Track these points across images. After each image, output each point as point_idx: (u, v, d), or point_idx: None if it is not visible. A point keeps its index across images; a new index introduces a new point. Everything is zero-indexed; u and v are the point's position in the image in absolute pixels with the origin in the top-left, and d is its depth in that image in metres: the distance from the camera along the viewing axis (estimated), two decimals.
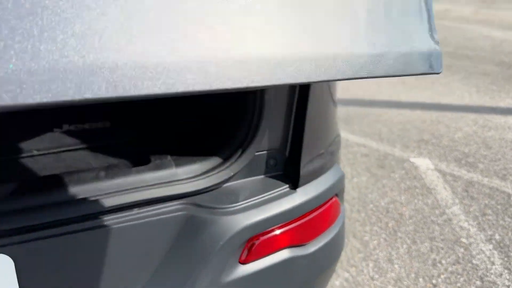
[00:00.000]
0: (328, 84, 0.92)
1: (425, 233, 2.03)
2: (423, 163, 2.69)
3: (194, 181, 0.79)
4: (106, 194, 0.74)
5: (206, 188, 0.80)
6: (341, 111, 3.53)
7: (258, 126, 0.81)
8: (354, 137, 3.09)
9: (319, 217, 0.89)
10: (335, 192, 0.95)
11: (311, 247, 0.89)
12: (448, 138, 3.04)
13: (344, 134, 3.13)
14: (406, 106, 3.72)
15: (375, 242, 1.97)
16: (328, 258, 0.94)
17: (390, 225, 2.09)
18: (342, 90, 4.08)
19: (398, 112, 3.58)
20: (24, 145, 0.89)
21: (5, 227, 0.66)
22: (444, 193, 2.36)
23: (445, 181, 2.47)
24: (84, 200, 0.72)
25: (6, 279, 0.67)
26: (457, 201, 2.27)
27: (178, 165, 0.82)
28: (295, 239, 0.86)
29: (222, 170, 0.82)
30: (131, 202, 0.73)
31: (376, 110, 3.63)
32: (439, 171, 2.59)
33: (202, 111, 1.11)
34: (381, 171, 2.60)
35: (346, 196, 2.32)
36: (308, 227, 0.88)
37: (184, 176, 0.80)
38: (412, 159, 2.74)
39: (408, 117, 3.46)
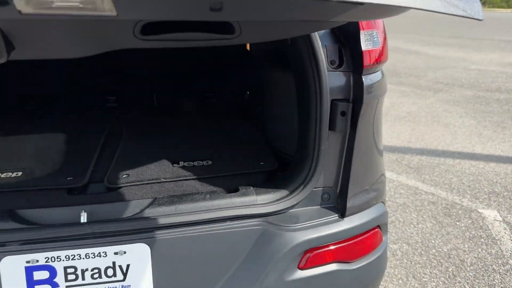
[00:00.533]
0: (373, 138, 1.22)
1: (485, 280, 2.12)
2: (491, 214, 2.75)
3: (268, 206, 1.12)
4: (209, 210, 1.10)
5: (276, 211, 1.12)
6: (413, 160, 3.69)
7: (315, 169, 1.13)
8: (424, 185, 3.22)
9: (361, 242, 1.17)
10: (377, 224, 1.22)
11: (355, 265, 1.16)
12: None
13: (414, 183, 3.27)
14: (480, 158, 3.75)
15: (434, 284, 2.11)
16: (368, 276, 1.20)
17: (450, 269, 2.21)
18: (416, 139, 4.22)
19: (471, 163, 3.63)
20: (155, 174, 1.30)
21: (147, 226, 1.05)
22: (509, 244, 2.42)
23: None
24: (195, 213, 1.09)
25: (143, 262, 1.05)
26: None
27: (257, 194, 1.16)
28: (342, 256, 1.15)
29: (288, 199, 1.15)
30: (226, 217, 1.08)
31: (448, 161, 3.71)
32: (507, 223, 2.64)
33: (277, 157, 1.46)
34: (447, 219, 2.71)
35: (409, 239, 2.48)
36: (352, 249, 1.16)
37: (261, 202, 1.14)
38: (480, 210, 2.81)
39: (481, 169, 3.50)
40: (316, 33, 1.10)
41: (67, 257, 1.01)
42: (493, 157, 3.77)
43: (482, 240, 2.47)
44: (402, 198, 3.02)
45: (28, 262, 0.99)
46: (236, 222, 1.09)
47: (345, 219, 1.16)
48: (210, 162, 1.42)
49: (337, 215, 1.18)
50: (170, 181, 1.28)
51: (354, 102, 1.12)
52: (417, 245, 2.44)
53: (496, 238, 2.49)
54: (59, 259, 1.01)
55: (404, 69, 8.06)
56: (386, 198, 2.98)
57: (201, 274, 1.08)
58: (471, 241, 2.47)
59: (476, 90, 6.39)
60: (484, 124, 4.76)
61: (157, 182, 1.27)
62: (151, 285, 1.05)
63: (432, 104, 5.62)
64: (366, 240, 1.19)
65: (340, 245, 1.14)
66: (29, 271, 1.00)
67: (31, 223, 1.04)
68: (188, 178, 1.30)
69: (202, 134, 1.75)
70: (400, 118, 4.97)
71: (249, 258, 1.09)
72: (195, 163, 1.41)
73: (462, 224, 2.66)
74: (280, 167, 1.39)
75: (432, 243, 2.47)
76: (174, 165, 1.40)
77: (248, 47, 2.08)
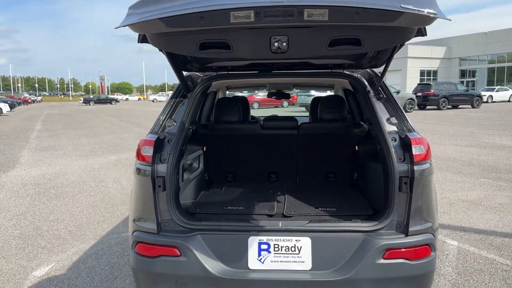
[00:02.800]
0: (423, 198, 2.35)
1: None
2: None
3: (368, 228, 2.31)
4: (339, 226, 2.32)
5: (370, 230, 2.29)
6: (496, 240, 4.39)
7: (392, 211, 2.30)
8: (501, 258, 3.94)
9: (417, 251, 2.26)
10: (427, 243, 2.30)
11: (413, 262, 2.25)
12: None
13: (492, 256, 4.01)
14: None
15: None
16: (421, 270, 2.26)
17: None
18: (503, 225, 4.89)
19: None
20: (307, 211, 2.59)
21: (310, 229, 2.31)
22: None
23: None
24: (332, 227, 2.33)
25: (308, 246, 2.29)
26: None
27: (362, 222, 2.36)
28: (406, 256, 2.25)
29: (377, 225, 2.31)
30: (349, 230, 2.30)
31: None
32: None
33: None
34: None
35: None
36: (411, 254, 2.25)
37: (365, 226, 2.33)
38: None
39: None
40: (391, 144, 2.36)
41: (276, 239, 2.30)
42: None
43: None
44: (479, 265, 3.80)
45: (260, 240, 2.31)
46: (353, 233, 2.30)
47: (407, 237, 2.28)
48: (335, 209, 2.67)
49: (403, 235, 2.30)
50: (316, 215, 2.56)
51: (411, 178, 2.31)
52: None
53: None
54: (271, 240, 2.30)
55: (505, 165, 8.50)
56: (465, 265, 3.82)
57: (334, 255, 2.27)
58: None
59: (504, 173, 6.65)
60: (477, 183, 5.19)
61: (309, 215, 2.56)
62: (310, 258, 2.28)
63: None
64: (420, 250, 2.27)
65: (405, 250, 2.25)
66: (259, 244, 2.31)
67: (258, 225, 2.38)
68: (325, 214, 2.57)
69: (330, 195, 3.05)
70: (492, 208, 5.63)
71: (359, 249, 2.26)
72: (327, 208, 2.68)
73: None
74: (373, 213, 2.59)
75: None
76: (317, 208, 2.68)
77: (356, 148, 3.40)
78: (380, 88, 2.67)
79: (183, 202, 2.72)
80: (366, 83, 2.74)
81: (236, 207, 2.77)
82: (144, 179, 2.41)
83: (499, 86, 41.45)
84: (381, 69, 2.74)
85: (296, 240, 2.29)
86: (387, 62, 2.55)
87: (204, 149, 3.40)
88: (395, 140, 2.43)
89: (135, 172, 2.51)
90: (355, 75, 2.79)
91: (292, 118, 3.81)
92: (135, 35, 2.09)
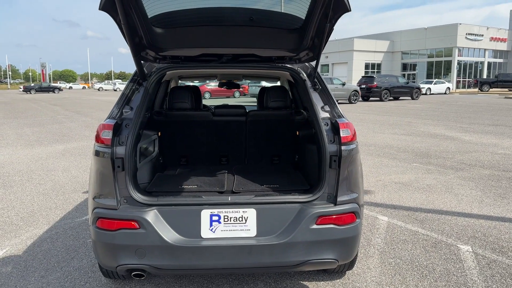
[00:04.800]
0: (348, 173, 2.77)
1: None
2: (465, 248, 4.01)
3: (304, 199, 2.69)
4: (280, 198, 2.68)
5: (306, 201, 2.67)
6: (420, 215, 4.98)
7: (323, 185, 2.69)
8: (423, 230, 4.52)
9: (344, 217, 2.67)
10: (352, 211, 2.72)
11: (341, 227, 2.66)
12: None
13: (416, 229, 4.58)
14: (474, 216, 4.97)
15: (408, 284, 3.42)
16: (348, 234, 2.68)
17: (422, 273, 3.51)
18: (427, 203, 5.52)
19: (464, 219, 4.87)
20: (253, 188, 2.93)
21: (255, 202, 2.65)
22: (471, 263, 3.67)
23: None
24: (274, 198, 2.68)
25: (253, 216, 2.63)
26: None
27: (299, 195, 2.73)
28: (335, 222, 2.65)
29: (311, 197, 2.70)
30: (288, 201, 2.66)
31: (448, 217, 4.97)
32: (476, 253, 3.89)
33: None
34: (433, 249, 4.00)
35: (402, 257, 3.81)
36: (339, 219, 2.66)
37: (301, 198, 2.70)
38: (458, 245, 4.08)
39: (471, 222, 4.74)
40: (324, 128, 2.75)
41: (225, 212, 2.61)
42: (484, 216, 5.00)
43: (452, 261, 3.75)
44: (404, 236, 4.36)
45: (211, 212, 2.62)
46: (291, 204, 2.66)
47: (336, 206, 2.69)
48: (278, 186, 3.04)
49: (333, 204, 2.71)
50: (261, 191, 2.91)
51: (339, 156, 2.71)
52: (407, 261, 3.77)
53: (462, 259, 3.76)
54: (222, 212, 2.62)
55: (435, 152, 9.36)
56: (392, 236, 4.35)
57: (275, 223, 2.62)
58: (445, 261, 3.75)
59: (494, 170, 7.53)
60: (488, 195, 5.95)
61: (255, 191, 2.90)
62: (255, 226, 2.62)
63: (450, 179, 6.88)
64: (347, 217, 2.69)
65: (334, 216, 2.66)
66: (211, 216, 2.62)
67: (209, 200, 2.69)
68: (269, 190, 2.92)
69: (273, 174, 3.42)
70: (420, 188, 6.30)
71: (296, 217, 2.63)
72: (271, 185, 3.04)
73: (442, 252, 3.95)
74: (310, 187, 2.99)
75: (418, 260, 3.78)
76: (261, 185, 3.03)
77: (297, 133, 3.80)
78: (316, 80, 3.05)
79: (140, 183, 2.96)
80: (304, 75, 3.11)
81: (189, 186, 3.06)
82: (104, 160, 2.63)
83: (436, 79, 44.25)
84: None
85: (243, 212, 2.63)
86: (318, 54, 2.92)
87: (159, 134, 3.65)
88: (327, 125, 2.83)
89: (94, 154, 2.72)
90: (295, 68, 3.15)
91: (241, 107, 4.17)
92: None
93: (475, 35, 50.57)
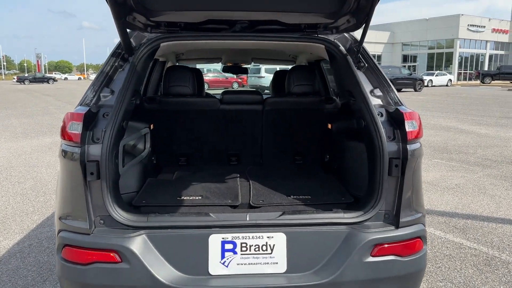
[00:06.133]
0: (414, 181, 2.01)
1: None
2: None
3: (352, 219, 1.93)
4: (318, 218, 1.92)
5: (355, 222, 1.92)
6: (459, 223, 4.27)
7: (380, 199, 1.93)
8: (468, 242, 3.80)
9: (408, 245, 1.92)
10: (418, 236, 1.97)
11: (405, 259, 1.91)
12: None
13: (459, 240, 3.86)
14: None
15: None
16: (413, 267, 1.93)
17: None
18: (462, 207, 4.81)
19: None
20: (279, 201, 2.16)
21: (284, 223, 1.88)
22: None
23: None
24: (310, 219, 1.92)
25: (282, 243, 1.87)
26: None
27: (344, 212, 1.98)
28: (397, 252, 1.90)
29: (363, 216, 1.95)
30: (328, 223, 1.90)
31: (491, 224, 4.26)
32: None
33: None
34: (487, 268, 3.28)
35: (453, 280, 3.08)
36: (404, 249, 1.91)
37: (347, 217, 1.95)
38: None
39: None
40: (379, 120, 1.98)
41: (243, 237, 1.86)
42: None
43: None
44: (448, 250, 3.62)
45: (223, 238, 1.85)
46: (335, 226, 1.91)
47: (398, 229, 1.93)
48: (309, 197, 2.27)
49: (393, 227, 1.95)
50: (288, 205, 2.14)
51: (403, 159, 1.95)
52: (460, 285, 3.04)
53: None
54: (238, 238, 1.86)
55: (454, 146, 8.63)
56: (433, 250, 3.62)
57: (314, 253, 1.88)
58: (506, 285, 3.02)
59: None
60: None
61: (281, 205, 2.13)
62: (285, 258, 1.86)
63: (480, 178, 6.16)
64: (412, 244, 1.94)
65: (396, 245, 1.90)
66: (223, 243, 1.85)
67: (220, 219, 1.92)
68: (298, 204, 2.15)
69: (300, 180, 2.64)
70: (449, 189, 5.57)
71: (343, 246, 1.88)
72: (300, 197, 2.27)
73: (500, 272, 3.21)
74: (355, 201, 2.21)
75: (473, 283, 3.05)
76: (288, 197, 2.26)
77: (329, 126, 3.01)
78: (360, 56, 2.27)
79: (124, 192, 2.20)
80: (344, 49, 2.33)
81: (191, 197, 2.29)
82: (71, 164, 1.86)
83: (438, 71, 43.46)
84: (359, 34, 2.34)
85: (268, 237, 1.87)
86: (366, 21, 2.14)
87: (151, 127, 2.85)
88: (382, 115, 2.06)
89: (60, 155, 1.95)
90: (332, 39, 2.37)
91: (255, 92, 3.33)
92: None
93: (477, 26, 49.69)
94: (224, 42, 2.40)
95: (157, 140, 3.05)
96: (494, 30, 51.44)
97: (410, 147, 1.95)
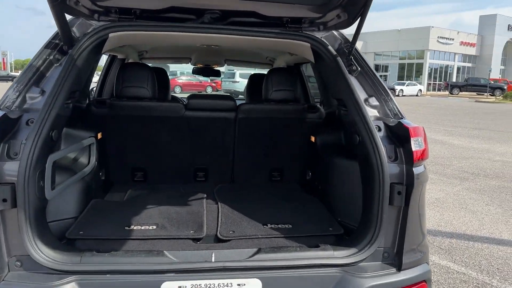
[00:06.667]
0: (420, 212, 1.64)
1: None
2: None
3: (344, 259, 1.54)
4: (301, 258, 1.52)
5: (351, 263, 1.54)
6: (444, 242, 3.98)
7: (378, 234, 1.56)
8: (455, 265, 3.50)
9: None
10: (424, 279, 1.60)
11: None
12: None
13: (446, 263, 3.56)
14: (507, 244, 4.01)
15: None
16: None
17: None
18: (445, 224, 4.54)
19: (499, 248, 3.90)
20: (253, 232, 1.76)
21: (259, 266, 1.48)
22: None
23: None
24: (291, 260, 1.52)
25: None
26: None
27: (334, 250, 1.59)
28: None
29: (358, 255, 1.57)
30: (314, 264, 1.51)
31: (477, 244, 3.99)
32: None
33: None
34: None
35: None
36: None
37: (338, 256, 1.56)
38: None
39: (509, 254, 3.76)
40: (378, 135, 1.61)
41: (206, 285, 1.44)
42: None
43: None
44: (435, 275, 3.30)
45: (179, 287, 1.43)
46: (321, 269, 1.51)
47: (400, 272, 1.57)
48: (290, 226, 1.87)
49: (394, 269, 1.58)
50: (265, 238, 1.73)
51: (407, 185, 1.59)
52: None
53: None
54: (199, 286, 1.44)
55: (430, 157, 8.46)
56: None
57: None
58: None
59: (501, 180, 6.70)
60: (510, 213, 5.04)
61: (256, 238, 1.72)
62: None
63: (459, 192, 5.95)
64: None
65: None
66: None
67: (177, 259, 1.50)
68: (278, 236, 1.75)
69: (277, 203, 2.23)
70: (430, 203, 5.31)
71: None
72: (279, 226, 1.86)
73: None
74: (345, 232, 1.82)
75: None
76: (264, 226, 1.85)
77: (313, 139, 2.62)
78: (352, 58, 1.91)
79: (57, 220, 1.74)
80: (333, 49, 1.96)
81: (144, 225, 1.85)
82: None
83: (408, 81, 44.27)
84: (351, 31, 1.98)
85: (238, 285, 1.45)
86: (361, 16, 1.77)
87: (99, 136, 2.38)
88: (380, 130, 1.69)
89: None
90: (319, 37, 2.00)
91: (228, 97, 2.88)
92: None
93: (446, 38, 51.05)
94: (191, 36, 1.97)
95: (107, 152, 2.57)
96: (462, 43, 52.97)
97: (416, 170, 1.59)
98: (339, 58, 1.90)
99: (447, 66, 53.12)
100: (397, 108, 1.82)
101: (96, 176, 2.34)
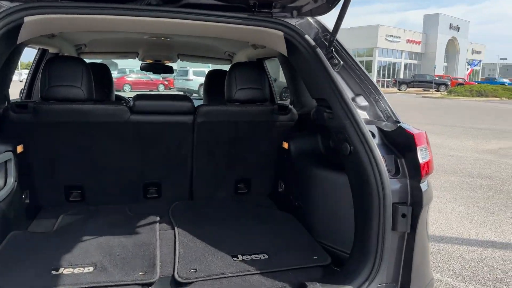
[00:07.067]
0: (427, 237, 1.36)
1: None
2: None
3: None
4: None
5: None
6: None
7: (380, 266, 1.25)
8: None
9: None
10: None
11: None
12: None
13: None
14: (476, 244, 3.91)
15: None
16: None
17: None
18: None
19: (469, 249, 3.78)
20: (221, 269, 1.39)
21: None
22: None
23: None
24: None
25: None
26: None
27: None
28: None
29: None
30: None
31: (448, 246, 3.85)
32: None
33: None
34: None
35: None
36: None
37: None
38: None
39: (480, 255, 3.65)
40: (375, 144, 1.30)
41: None
42: (488, 243, 3.95)
43: None
44: None
45: None
46: None
47: None
48: (266, 256, 1.52)
49: None
50: (237, 276, 1.37)
51: (413, 205, 1.29)
52: None
53: None
54: None
55: None
56: None
57: None
58: None
59: (460, 176, 6.76)
60: (473, 209, 5.01)
61: (225, 277, 1.36)
62: None
63: None
64: None
65: None
66: None
67: None
68: (251, 272, 1.40)
69: (247, 224, 1.87)
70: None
71: None
72: (253, 257, 1.51)
73: None
74: (332, 261, 1.50)
75: None
76: (234, 259, 1.50)
77: (285, 145, 2.28)
78: (333, 49, 1.59)
79: None
80: (311, 39, 1.63)
81: (76, 267, 1.42)
82: None
83: None
84: (328, 17, 1.67)
85: None
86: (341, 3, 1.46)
87: (19, 149, 1.90)
88: (374, 136, 1.38)
89: None
90: (292, 24, 1.66)
91: (183, 97, 2.45)
92: None
93: (394, 36, 52.86)
94: (134, 21, 1.57)
95: (33, 168, 2.09)
96: (408, 41, 55.10)
97: (423, 187, 1.30)
98: (318, 50, 1.57)
99: (394, 64, 55.07)
100: (390, 108, 1.52)
101: (15, 200, 1.85)
